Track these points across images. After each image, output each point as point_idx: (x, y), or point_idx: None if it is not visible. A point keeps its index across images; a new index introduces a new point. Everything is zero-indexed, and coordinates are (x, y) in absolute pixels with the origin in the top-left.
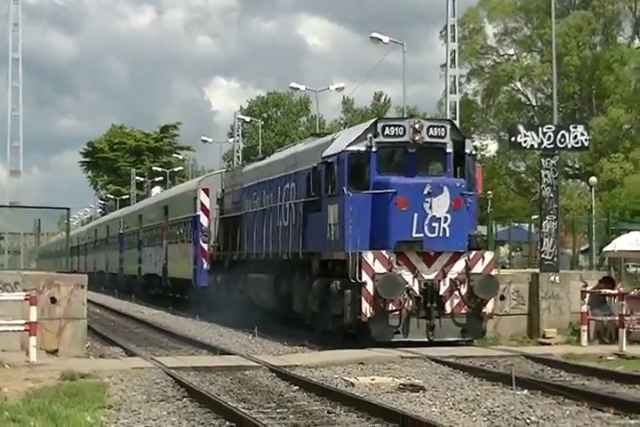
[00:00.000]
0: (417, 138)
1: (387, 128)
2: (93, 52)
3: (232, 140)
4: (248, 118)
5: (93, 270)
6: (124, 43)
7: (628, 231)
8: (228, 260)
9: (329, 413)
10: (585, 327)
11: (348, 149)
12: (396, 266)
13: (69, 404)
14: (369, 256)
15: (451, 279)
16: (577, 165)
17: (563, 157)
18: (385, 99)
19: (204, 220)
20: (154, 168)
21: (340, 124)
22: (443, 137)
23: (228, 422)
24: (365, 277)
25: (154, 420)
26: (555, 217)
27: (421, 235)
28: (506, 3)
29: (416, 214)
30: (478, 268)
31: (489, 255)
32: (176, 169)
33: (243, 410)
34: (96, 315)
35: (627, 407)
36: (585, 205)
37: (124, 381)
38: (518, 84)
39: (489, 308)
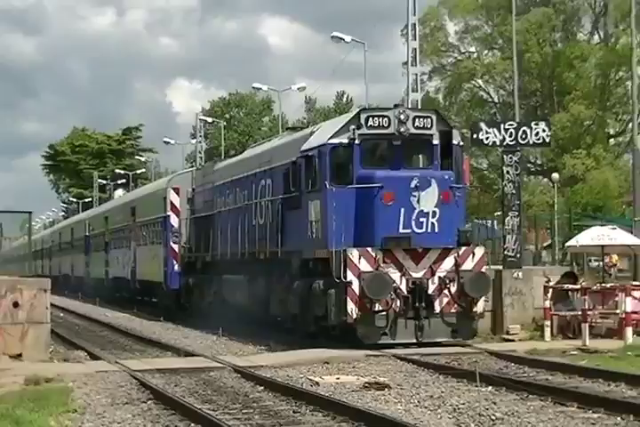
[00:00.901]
0: (402, 129)
1: (370, 119)
2: (55, 53)
3: (194, 141)
4: (210, 119)
5: (58, 274)
6: (85, 44)
7: (590, 227)
8: (201, 261)
9: (294, 412)
10: (548, 323)
11: (330, 141)
12: (382, 264)
13: (34, 408)
14: (354, 254)
15: (440, 277)
16: (539, 162)
17: (525, 153)
18: (347, 98)
19: (174, 220)
20: (116, 171)
21: (302, 123)
22: (429, 128)
23: (193, 424)
24: (351, 277)
25: (119, 423)
26: (517, 213)
27: (409, 231)
28: (466, 1)
29: (403, 209)
30: (468, 264)
31: (479, 251)
32: (139, 171)
33: (208, 411)
34: (60, 319)
35: (590, 401)
36: (547, 201)
37: (89, 384)
38: (480, 82)
39: (480, 307)
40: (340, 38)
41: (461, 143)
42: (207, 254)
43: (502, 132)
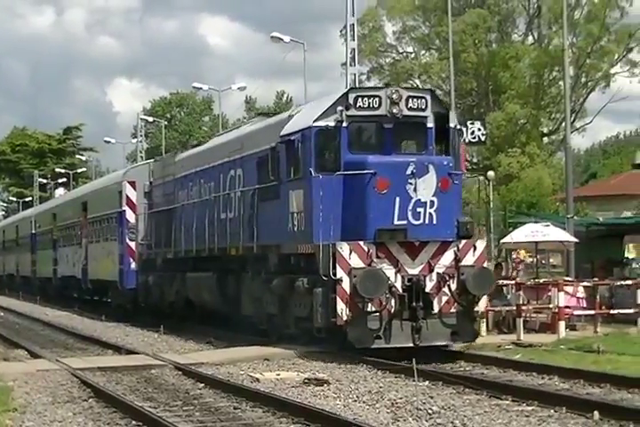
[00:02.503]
0: (395, 111)
1: (360, 99)
2: None
3: (135, 140)
4: (151, 119)
5: (2, 274)
6: (24, 44)
7: (524, 224)
8: (162, 258)
9: (235, 409)
10: (484, 317)
11: (315, 124)
12: (375, 259)
13: None
14: (344, 248)
15: (438, 274)
16: (475, 160)
17: None
18: (287, 97)
19: (130, 215)
20: (57, 170)
21: (242, 122)
22: (423, 109)
23: (134, 422)
24: (341, 273)
25: (60, 422)
26: None
27: (404, 222)
28: (404, 2)
29: (398, 198)
30: (469, 259)
31: (481, 244)
32: (80, 170)
33: (149, 409)
34: (0, 318)
35: (524, 395)
36: (483, 198)
37: (29, 383)
38: (417, 82)
39: (481, 306)
40: (280, 38)
41: (458, 126)
42: (169, 251)
43: None
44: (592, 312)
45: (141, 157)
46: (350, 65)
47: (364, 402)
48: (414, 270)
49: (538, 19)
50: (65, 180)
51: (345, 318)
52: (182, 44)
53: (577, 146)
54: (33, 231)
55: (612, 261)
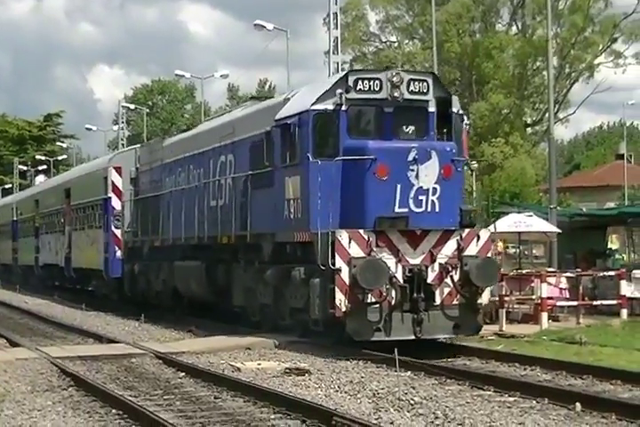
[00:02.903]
0: (396, 94)
1: (360, 82)
2: None
3: (117, 127)
4: (133, 106)
5: None
6: (3, 30)
7: (508, 214)
8: (148, 246)
9: (215, 398)
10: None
11: (314, 107)
12: (375, 248)
13: None
14: (343, 237)
15: (440, 264)
16: None
17: None
18: (270, 86)
19: (116, 202)
20: (37, 157)
21: (225, 110)
22: (425, 93)
23: (114, 411)
24: (340, 263)
25: (39, 410)
26: None
27: (406, 210)
28: None
29: (399, 185)
30: (472, 249)
31: (485, 233)
32: (60, 158)
33: (129, 398)
34: None
35: (506, 386)
36: (467, 188)
37: (8, 372)
38: None
39: (484, 298)
40: (263, 26)
41: (460, 111)
42: (156, 239)
43: None
44: (575, 303)
45: (122, 144)
46: (333, 53)
47: (345, 392)
48: (415, 260)
49: (522, 9)
50: (45, 167)
51: (344, 309)
52: (163, 32)
53: (560, 137)
54: (14, 218)
55: (595, 252)
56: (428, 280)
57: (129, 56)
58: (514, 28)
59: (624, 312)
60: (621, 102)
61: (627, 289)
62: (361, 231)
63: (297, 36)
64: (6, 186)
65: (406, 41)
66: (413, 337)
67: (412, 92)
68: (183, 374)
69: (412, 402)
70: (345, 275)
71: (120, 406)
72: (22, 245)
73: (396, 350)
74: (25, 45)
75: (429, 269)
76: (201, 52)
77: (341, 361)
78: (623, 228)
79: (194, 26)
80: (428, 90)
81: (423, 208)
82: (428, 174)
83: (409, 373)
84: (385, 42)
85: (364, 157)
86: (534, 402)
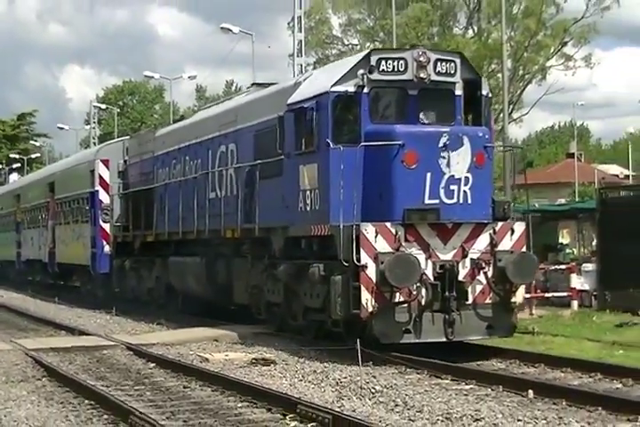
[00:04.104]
0: (422, 75)
1: (384, 62)
2: None
3: (88, 127)
4: (104, 106)
5: None
6: None
7: None
8: (140, 241)
9: (184, 388)
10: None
11: (334, 89)
12: (404, 243)
13: None
14: (369, 230)
15: (472, 260)
16: None
17: None
18: (236, 86)
19: (103, 196)
20: (11, 155)
21: (193, 111)
22: (452, 75)
23: (87, 401)
24: (366, 259)
25: (13, 400)
26: None
27: (436, 201)
28: None
29: (429, 174)
30: (506, 244)
31: (519, 227)
32: (33, 156)
33: (101, 388)
34: None
35: (463, 374)
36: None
37: None
38: None
39: (519, 296)
40: (229, 29)
41: (489, 95)
42: (149, 233)
43: None
44: (528, 296)
45: (94, 142)
46: (297, 56)
47: (309, 381)
48: (446, 256)
49: (478, 13)
50: (19, 165)
51: (370, 309)
52: (132, 33)
53: (514, 136)
54: None
55: (548, 247)
56: (460, 277)
57: (99, 56)
58: (470, 32)
59: (574, 304)
60: (572, 103)
61: (577, 282)
62: (388, 224)
63: (262, 38)
64: None
65: (368, 44)
66: (445, 339)
67: (438, 74)
68: (153, 364)
69: (373, 391)
70: (371, 272)
71: (92, 396)
72: (2, 240)
73: (358, 340)
74: None
75: (461, 266)
76: (169, 54)
77: (305, 352)
78: (574, 223)
79: (162, 28)
80: (455, 71)
81: (455, 199)
82: (459, 162)
83: (370, 363)
84: (347, 45)
85: (391, 142)
86: (489, 390)
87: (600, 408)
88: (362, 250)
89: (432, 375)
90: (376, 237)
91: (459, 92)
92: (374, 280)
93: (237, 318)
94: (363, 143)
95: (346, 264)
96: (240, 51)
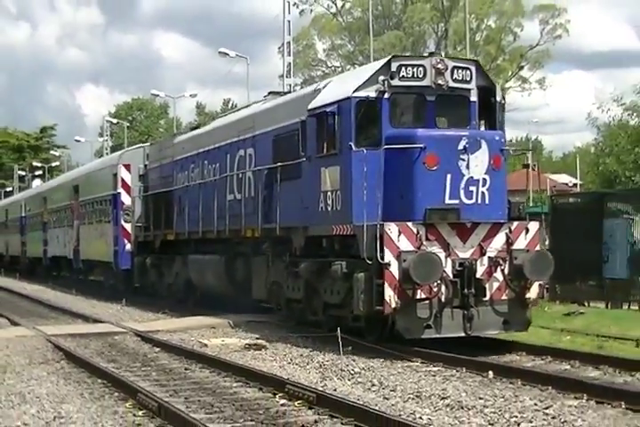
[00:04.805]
0: (440, 82)
1: (404, 68)
2: None
3: (102, 139)
4: (115, 120)
5: None
6: (3, 54)
7: None
8: (160, 240)
9: (186, 369)
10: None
11: (356, 94)
12: (425, 242)
13: None
14: (392, 229)
15: (490, 258)
16: None
17: None
18: (232, 104)
19: (125, 198)
20: (34, 164)
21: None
22: (468, 82)
23: (99, 380)
24: (389, 257)
25: (35, 380)
26: None
27: (457, 201)
28: (332, 23)
29: (449, 175)
30: (521, 242)
31: (534, 226)
32: (53, 164)
33: (112, 369)
34: None
35: (431, 358)
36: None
37: (9, 347)
38: None
39: (533, 292)
40: (226, 53)
41: (503, 101)
42: (170, 233)
43: None
44: None
45: (107, 153)
46: (286, 77)
47: (296, 364)
48: (465, 254)
49: (445, 40)
50: (41, 172)
51: (393, 305)
52: (140, 56)
53: None
54: (22, 215)
55: None
56: (478, 275)
57: (111, 77)
58: None
59: None
60: (527, 120)
61: None
62: (410, 224)
63: (255, 60)
64: (7, 189)
65: (348, 66)
66: (463, 334)
67: (455, 80)
68: (158, 349)
69: (352, 372)
70: (394, 269)
71: (104, 376)
72: (30, 238)
73: (339, 329)
74: (22, 67)
75: (479, 264)
76: (173, 74)
77: (293, 338)
78: None
79: (167, 51)
80: (470, 78)
81: (474, 200)
82: (478, 164)
83: (350, 347)
84: (330, 67)
85: (413, 145)
86: (454, 371)
87: (550, 387)
88: (385, 248)
89: (404, 359)
90: (399, 236)
91: (474, 98)
92: (397, 277)
93: (230, 309)
94: (386, 146)
95: (369, 262)
96: (236, 72)
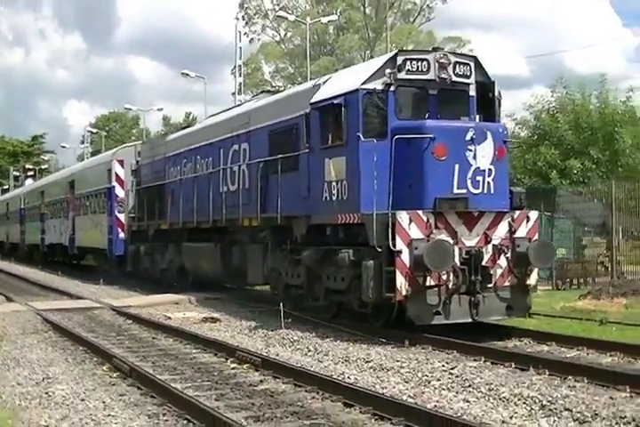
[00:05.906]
0: (443, 76)
1: (409, 62)
2: None
3: (83, 146)
4: (95, 130)
5: None
6: (1, 75)
7: None
8: (154, 229)
9: (153, 338)
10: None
11: (363, 86)
12: (434, 230)
13: None
14: (404, 218)
15: (494, 246)
16: None
17: None
18: (192, 117)
19: (119, 191)
20: (27, 166)
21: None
22: (468, 76)
23: (81, 347)
24: (401, 245)
25: (27, 347)
26: None
27: (464, 191)
28: (277, 50)
29: (457, 165)
30: (522, 231)
31: (534, 215)
32: (43, 167)
33: (92, 338)
34: None
35: (355, 328)
36: None
37: (6, 320)
38: None
39: (533, 279)
40: (187, 74)
41: (499, 96)
42: (163, 222)
43: None
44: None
45: (87, 157)
46: (238, 94)
47: (245, 334)
48: (471, 242)
49: None
50: (32, 173)
51: (404, 292)
52: (116, 76)
53: None
54: (22, 207)
55: None
56: (484, 262)
57: (92, 93)
58: None
59: None
60: None
61: None
62: (420, 212)
63: (212, 80)
64: (4, 187)
65: (289, 86)
66: (470, 320)
67: (457, 75)
68: (130, 321)
69: (291, 340)
70: (405, 257)
71: (85, 344)
72: (29, 228)
73: (281, 304)
74: (17, 85)
75: (484, 251)
76: (144, 92)
77: (242, 312)
78: None
79: (139, 73)
80: (470, 73)
81: (480, 189)
82: (484, 155)
83: (290, 320)
84: (274, 86)
85: (422, 135)
86: (376, 339)
87: (455, 351)
88: (397, 236)
89: (336, 329)
90: (410, 224)
91: (472, 92)
92: (408, 265)
93: (191, 287)
94: (397, 136)
95: (379, 250)
96: (196, 90)
